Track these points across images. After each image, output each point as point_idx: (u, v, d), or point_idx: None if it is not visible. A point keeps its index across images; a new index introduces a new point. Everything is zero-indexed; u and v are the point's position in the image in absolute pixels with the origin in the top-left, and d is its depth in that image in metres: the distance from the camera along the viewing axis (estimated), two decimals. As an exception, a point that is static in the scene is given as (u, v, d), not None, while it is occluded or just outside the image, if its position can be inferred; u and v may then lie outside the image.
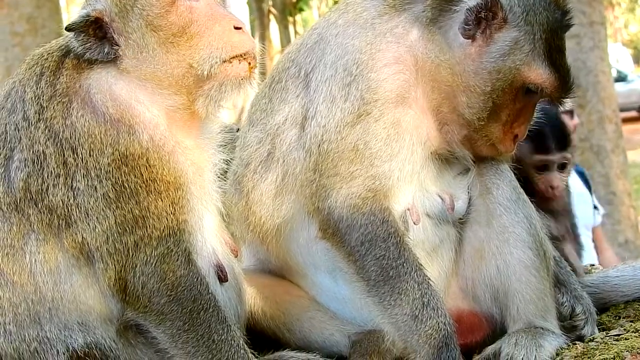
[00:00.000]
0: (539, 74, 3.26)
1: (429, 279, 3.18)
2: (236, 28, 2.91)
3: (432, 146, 3.34)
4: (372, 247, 3.16)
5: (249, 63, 2.92)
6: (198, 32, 2.86)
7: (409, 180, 3.29)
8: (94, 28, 2.85)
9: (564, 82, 3.34)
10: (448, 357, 3.06)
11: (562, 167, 4.08)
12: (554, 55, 3.29)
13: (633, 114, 32.79)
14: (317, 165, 3.26)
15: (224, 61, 2.87)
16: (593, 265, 6.47)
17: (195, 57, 2.86)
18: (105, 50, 2.85)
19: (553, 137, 4.02)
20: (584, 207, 6.96)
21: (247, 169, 3.54)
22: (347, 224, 3.20)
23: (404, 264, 3.14)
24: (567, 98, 3.49)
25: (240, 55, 2.90)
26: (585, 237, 6.45)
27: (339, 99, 3.26)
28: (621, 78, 32.40)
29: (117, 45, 2.86)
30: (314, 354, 3.24)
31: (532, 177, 3.98)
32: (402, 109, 3.25)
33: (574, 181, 7.13)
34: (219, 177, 3.11)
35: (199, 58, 2.85)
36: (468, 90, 3.27)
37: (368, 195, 3.20)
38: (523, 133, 3.42)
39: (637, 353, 3.02)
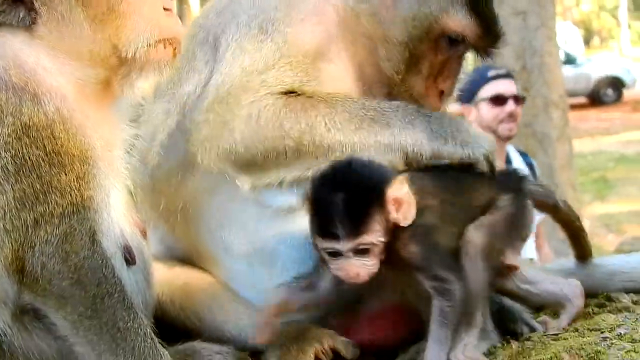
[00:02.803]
0: (458, 20, 3.28)
1: None
2: (165, 9, 2.96)
3: None
4: None
5: (174, 48, 2.98)
6: (126, 12, 2.89)
7: None
8: None
9: (488, 30, 3.34)
10: None
11: (363, 251, 3.04)
12: None
13: (582, 100, 33.35)
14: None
15: (149, 45, 2.91)
16: (532, 259, 6.70)
17: (121, 38, 2.89)
18: (20, 15, 2.85)
19: (341, 221, 3.00)
20: None
21: (152, 143, 3.55)
22: None
23: None
24: (494, 48, 3.45)
25: (167, 39, 2.95)
26: None
27: (250, 50, 3.28)
28: (570, 61, 32.86)
29: (35, 12, 2.86)
30: (228, 346, 3.28)
31: (327, 262, 3.10)
32: (323, 65, 3.30)
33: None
34: (128, 153, 3.13)
35: (125, 39, 2.89)
36: (385, 42, 3.32)
37: None
38: (449, 88, 3.46)
39: (576, 353, 3.07)
